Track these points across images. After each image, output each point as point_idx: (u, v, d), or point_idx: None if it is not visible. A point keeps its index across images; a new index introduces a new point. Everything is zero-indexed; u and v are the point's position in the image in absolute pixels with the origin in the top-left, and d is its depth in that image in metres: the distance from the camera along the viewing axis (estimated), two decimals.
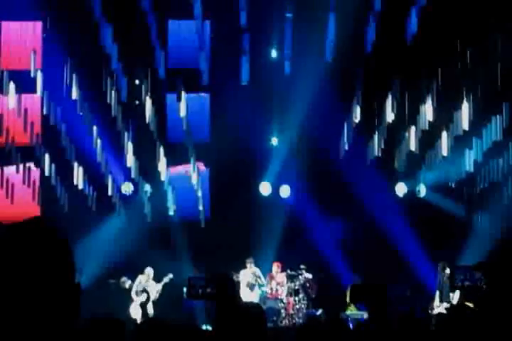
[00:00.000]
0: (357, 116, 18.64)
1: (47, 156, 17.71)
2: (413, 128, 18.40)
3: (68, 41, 17.56)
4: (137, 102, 18.40)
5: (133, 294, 17.42)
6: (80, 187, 18.28)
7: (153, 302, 17.43)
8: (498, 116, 17.79)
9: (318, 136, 19.43)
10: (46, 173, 17.80)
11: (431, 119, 17.99)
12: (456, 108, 17.93)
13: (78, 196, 18.28)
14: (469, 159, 18.45)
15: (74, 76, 17.45)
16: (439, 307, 15.73)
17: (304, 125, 19.41)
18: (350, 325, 9.08)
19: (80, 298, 1.73)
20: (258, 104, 19.00)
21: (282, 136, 19.87)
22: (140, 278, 17.58)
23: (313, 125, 19.34)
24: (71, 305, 1.70)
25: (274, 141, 20.03)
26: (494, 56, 17.45)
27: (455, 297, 15.62)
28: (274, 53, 19.30)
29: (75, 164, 18.12)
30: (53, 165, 17.90)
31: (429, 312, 15.80)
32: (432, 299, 16.31)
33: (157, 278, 17.57)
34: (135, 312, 17.20)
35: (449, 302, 15.59)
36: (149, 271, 17.58)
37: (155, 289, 17.46)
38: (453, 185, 19.30)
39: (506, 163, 18.19)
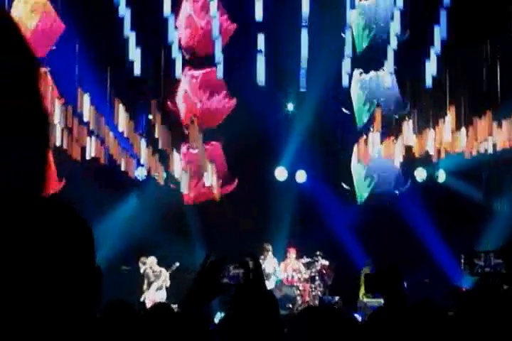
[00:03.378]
0: None
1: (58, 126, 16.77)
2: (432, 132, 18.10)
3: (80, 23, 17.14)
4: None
5: (145, 283, 17.16)
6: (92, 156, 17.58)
7: (166, 287, 17.21)
8: None
9: (334, 121, 19.23)
10: (57, 143, 16.86)
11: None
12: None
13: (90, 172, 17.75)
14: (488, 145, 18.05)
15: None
16: None
17: (321, 109, 19.17)
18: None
19: (101, 283, 1.56)
20: (274, 88, 18.79)
21: (298, 121, 19.64)
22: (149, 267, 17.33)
23: (329, 109, 19.12)
24: (93, 290, 1.53)
25: (290, 106, 19.82)
26: None
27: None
28: None
29: (87, 139, 17.41)
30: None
31: None
32: None
33: (166, 265, 17.28)
34: (149, 298, 16.96)
35: None
36: (152, 259, 17.22)
37: (164, 275, 17.18)
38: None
39: None
